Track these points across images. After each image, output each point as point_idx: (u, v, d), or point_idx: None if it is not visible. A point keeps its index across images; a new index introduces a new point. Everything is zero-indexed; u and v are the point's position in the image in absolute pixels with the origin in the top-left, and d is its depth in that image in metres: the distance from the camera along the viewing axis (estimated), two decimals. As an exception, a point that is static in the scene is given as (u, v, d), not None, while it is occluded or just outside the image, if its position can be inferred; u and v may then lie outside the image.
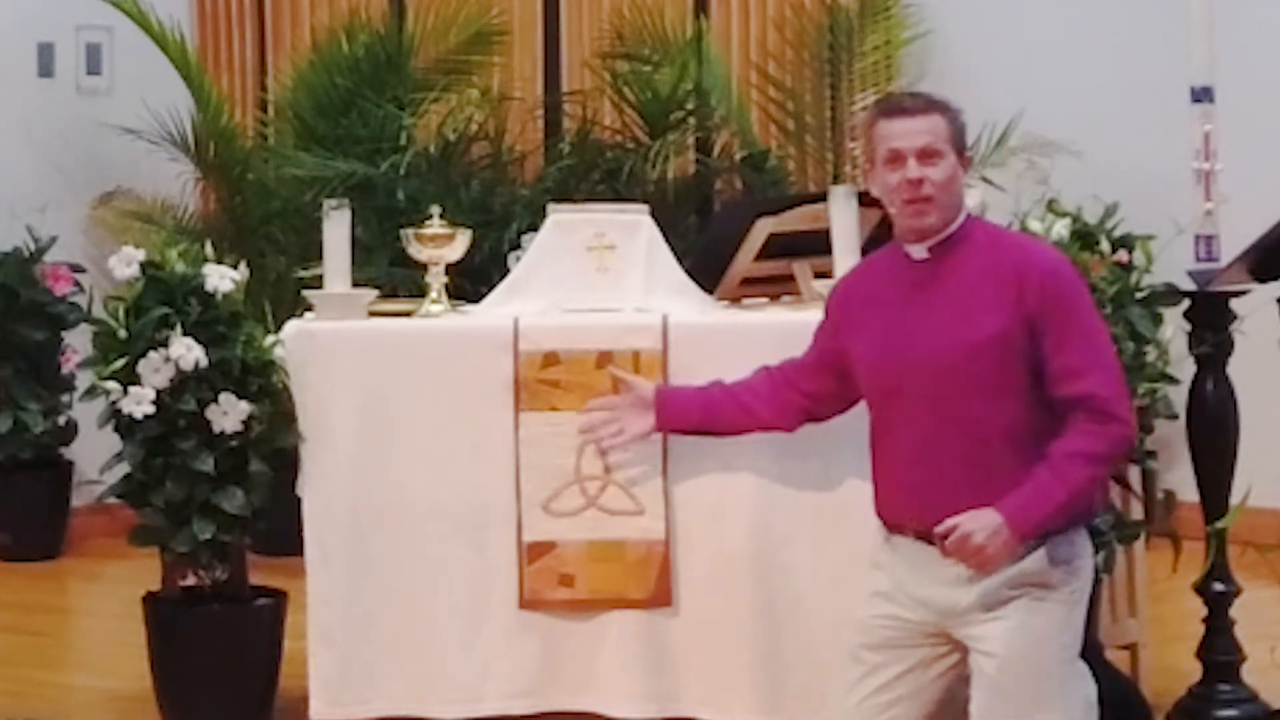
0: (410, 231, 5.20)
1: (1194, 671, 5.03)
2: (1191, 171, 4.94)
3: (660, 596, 4.79)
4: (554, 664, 4.84)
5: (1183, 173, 4.96)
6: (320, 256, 5.13)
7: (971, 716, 4.10)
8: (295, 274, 6.95)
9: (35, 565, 7.57)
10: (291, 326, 5.01)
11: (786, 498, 4.75)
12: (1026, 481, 4.01)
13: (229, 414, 4.96)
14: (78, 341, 7.44)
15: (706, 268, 5.19)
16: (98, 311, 5.95)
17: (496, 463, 4.83)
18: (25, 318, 7.66)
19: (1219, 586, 4.97)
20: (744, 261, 5.16)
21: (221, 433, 4.98)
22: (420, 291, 5.19)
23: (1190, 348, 4.94)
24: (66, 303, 7.73)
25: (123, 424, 5.01)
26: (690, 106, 7.74)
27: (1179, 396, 5.00)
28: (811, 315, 4.57)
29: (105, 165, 8.12)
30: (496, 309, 5.05)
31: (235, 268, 5.09)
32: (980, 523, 4.00)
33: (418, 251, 5.18)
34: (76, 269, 7.80)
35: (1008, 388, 4.05)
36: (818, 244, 4.99)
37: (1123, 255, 4.95)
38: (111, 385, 4.94)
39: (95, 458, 5.67)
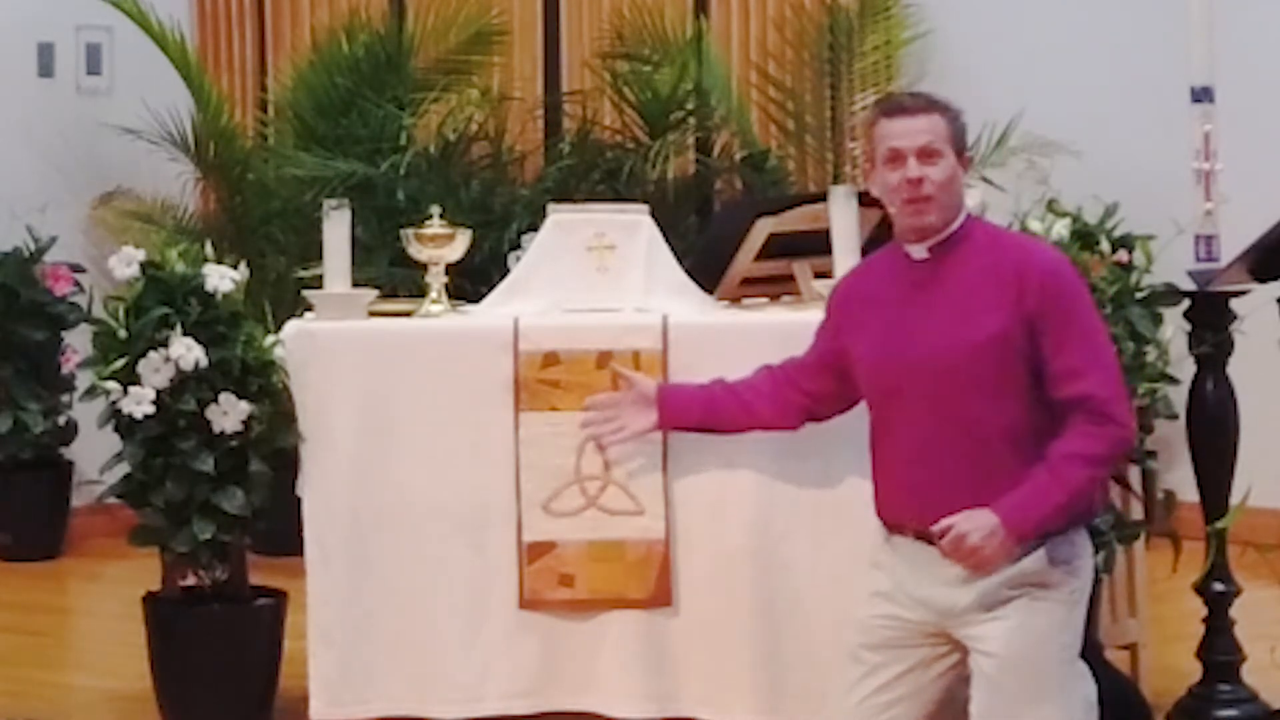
0: (410, 231, 5.20)
1: (1194, 671, 5.03)
2: (1191, 171, 4.94)
3: (660, 596, 4.79)
4: (554, 664, 4.84)
5: (1183, 173, 4.96)
6: (320, 256, 5.13)
7: (971, 716, 4.10)
8: (295, 274, 6.96)
9: (35, 565, 7.57)
10: (291, 326, 5.01)
11: (786, 498, 4.75)
12: (1024, 482, 4.01)
13: (229, 414, 4.96)
14: (78, 341, 7.44)
15: (706, 268, 5.19)
16: (98, 311, 5.95)
17: (496, 463, 4.83)
18: (25, 318, 7.66)
19: (1219, 586, 4.97)
20: (744, 261, 5.16)
21: (221, 433, 4.98)
22: (420, 291, 5.19)
23: (1190, 348, 4.94)
24: (66, 303, 7.73)
25: (123, 424, 5.01)
26: (690, 106, 7.74)
27: (1179, 396, 5.00)
28: (811, 315, 4.58)
29: (105, 165, 8.12)
30: (496, 309, 5.05)
31: (235, 268, 5.09)
32: (976, 523, 4.00)
33: (418, 251, 5.18)
34: (76, 269, 7.80)
35: (1008, 388, 4.05)
36: (818, 244, 4.99)
37: (1123, 255, 4.95)
38: (111, 385, 4.94)
39: (95, 458, 5.67)
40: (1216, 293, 4.88)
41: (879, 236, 4.65)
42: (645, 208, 5.22)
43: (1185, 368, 4.99)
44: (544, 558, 4.82)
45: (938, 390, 4.07)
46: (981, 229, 4.22)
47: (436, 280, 5.13)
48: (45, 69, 8.17)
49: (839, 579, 4.64)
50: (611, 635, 4.82)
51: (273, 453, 5.04)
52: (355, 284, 5.13)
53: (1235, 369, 4.95)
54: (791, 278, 5.15)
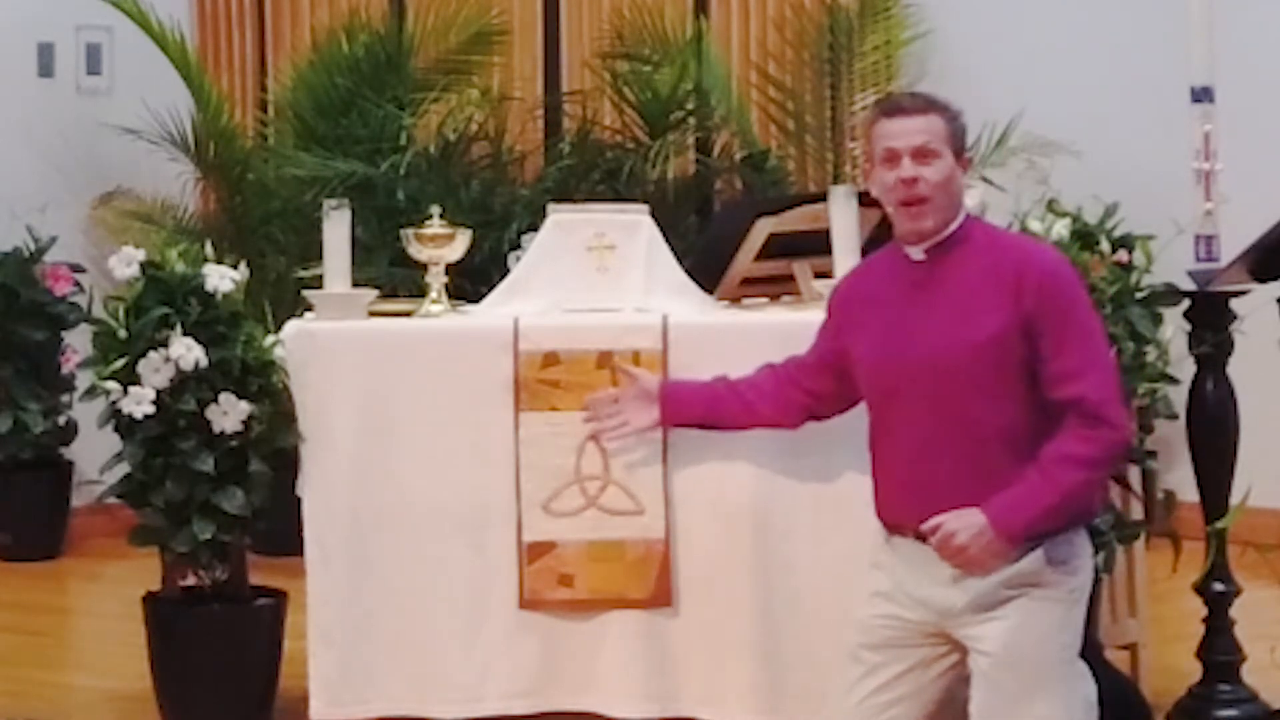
0: (410, 231, 5.20)
1: (1194, 671, 5.03)
2: (1191, 171, 4.94)
3: (660, 596, 4.79)
4: (554, 664, 4.84)
5: (1183, 173, 4.96)
6: (320, 256, 5.13)
7: (971, 716, 4.10)
8: (295, 274, 6.96)
9: (35, 565, 7.57)
10: (291, 326, 5.01)
11: (787, 498, 4.75)
12: (1016, 483, 4.01)
13: (229, 414, 4.96)
14: (78, 341, 7.44)
15: (706, 268, 5.19)
16: (98, 311, 5.94)
17: (496, 463, 4.83)
18: (25, 318, 7.67)
19: (1219, 586, 4.97)
20: (744, 261, 5.16)
21: (221, 433, 4.98)
22: (420, 291, 5.19)
23: (1190, 348, 4.94)
24: (66, 303, 7.73)
25: (123, 424, 5.01)
26: (690, 106, 7.74)
27: (1179, 396, 5.00)
28: (811, 315, 4.58)
29: (105, 165, 8.12)
30: (496, 309, 5.05)
31: (235, 268, 5.09)
32: (964, 522, 4.00)
33: (418, 251, 5.18)
34: (76, 269, 7.80)
35: (1007, 389, 4.05)
36: (818, 244, 4.99)
37: (1123, 255, 4.95)
38: (111, 385, 4.94)
39: (95, 458, 5.67)
40: (1216, 293, 4.88)
41: (879, 236, 4.65)
42: (645, 208, 5.22)
43: (1185, 368, 4.99)
44: (544, 558, 4.82)
45: (938, 391, 4.07)
46: (981, 230, 4.22)
47: (436, 280, 5.13)
48: (45, 69, 8.17)
49: (839, 579, 4.64)
50: (611, 635, 4.82)
51: (273, 453, 5.04)
52: (355, 284, 5.13)
53: (1235, 369, 4.95)
54: (791, 278, 5.15)
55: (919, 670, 4.16)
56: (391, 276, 6.72)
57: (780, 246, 5.13)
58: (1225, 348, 4.93)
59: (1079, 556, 4.12)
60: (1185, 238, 4.94)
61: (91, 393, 5.04)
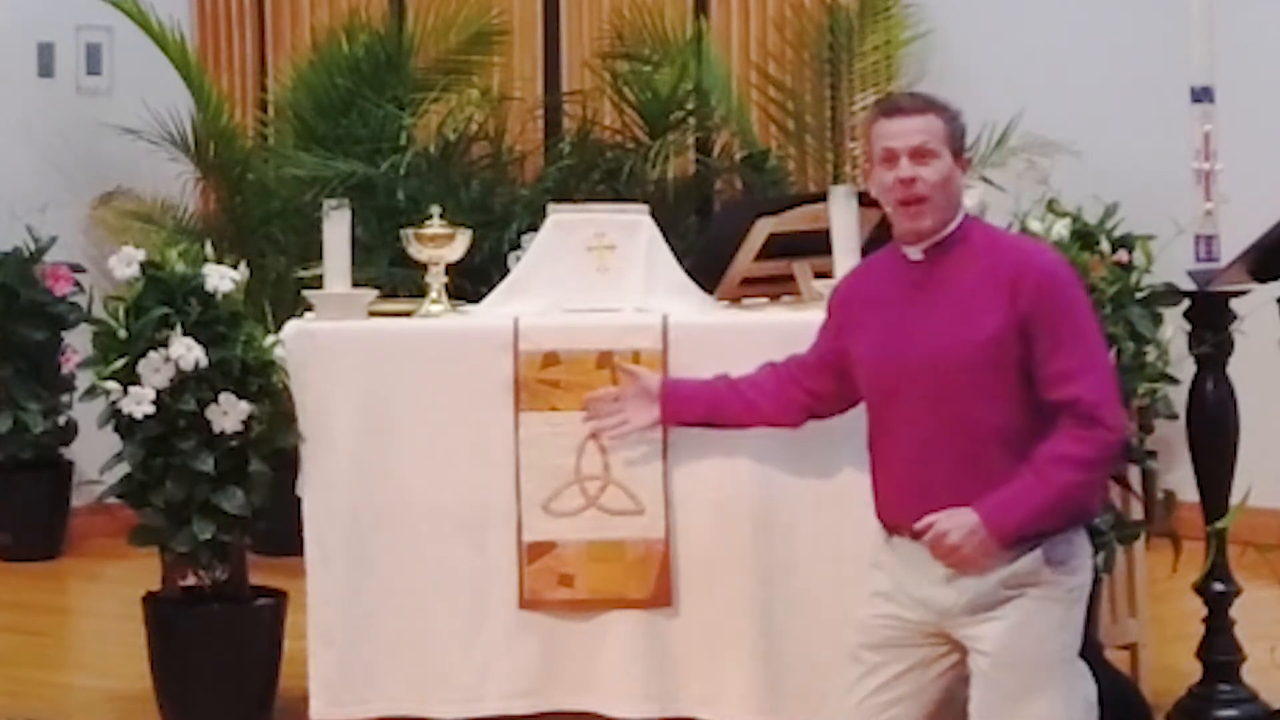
0: (410, 231, 5.20)
1: (1194, 671, 5.03)
2: (1191, 171, 4.94)
3: (660, 596, 4.79)
4: (554, 664, 4.84)
5: (1183, 173, 4.96)
6: (320, 256, 5.13)
7: (971, 716, 4.10)
8: (295, 274, 6.96)
9: (35, 565, 7.57)
10: (291, 326, 5.01)
11: (787, 498, 4.75)
12: (1009, 483, 4.01)
13: (229, 414, 4.96)
14: (78, 341, 7.44)
15: (706, 268, 5.19)
16: (98, 311, 5.95)
17: (496, 463, 4.83)
18: (25, 318, 7.67)
19: (1219, 586, 4.97)
20: (744, 261, 5.16)
21: (221, 433, 4.98)
22: (420, 291, 5.19)
23: (1190, 348, 4.94)
24: (66, 303, 7.73)
25: (123, 424, 5.01)
26: (690, 106, 7.74)
27: (1179, 396, 5.00)
28: (811, 315, 4.58)
29: (105, 165, 8.12)
30: (496, 309, 5.05)
31: (235, 268, 5.09)
32: (956, 521, 4.01)
33: (418, 251, 5.18)
34: (76, 269, 7.80)
35: (1006, 389, 4.05)
36: (818, 244, 4.99)
37: (1123, 255, 4.95)
38: (111, 385, 4.94)
39: (95, 458, 5.67)
40: (1216, 293, 4.88)
41: (879, 236, 4.65)
42: (645, 208, 5.22)
43: (1185, 368, 4.99)
44: (544, 558, 4.82)
45: (937, 391, 4.07)
46: (980, 230, 4.22)
47: (436, 280, 5.13)
48: (45, 69, 8.17)
49: (839, 579, 4.64)
50: (611, 635, 4.82)
51: (273, 453, 5.04)
52: (355, 284, 5.13)
53: (1235, 369, 4.95)
54: (791, 278, 5.15)
55: (919, 670, 4.17)
56: (391, 276, 6.72)
57: (780, 246, 5.13)
58: (1225, 348, 4.93)
59: (1078, 556, 4.12)
60: (1185, 238, 4.94)
61: (91, 393, 5.04)
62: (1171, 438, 5.21)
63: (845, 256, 4.86)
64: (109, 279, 5.31)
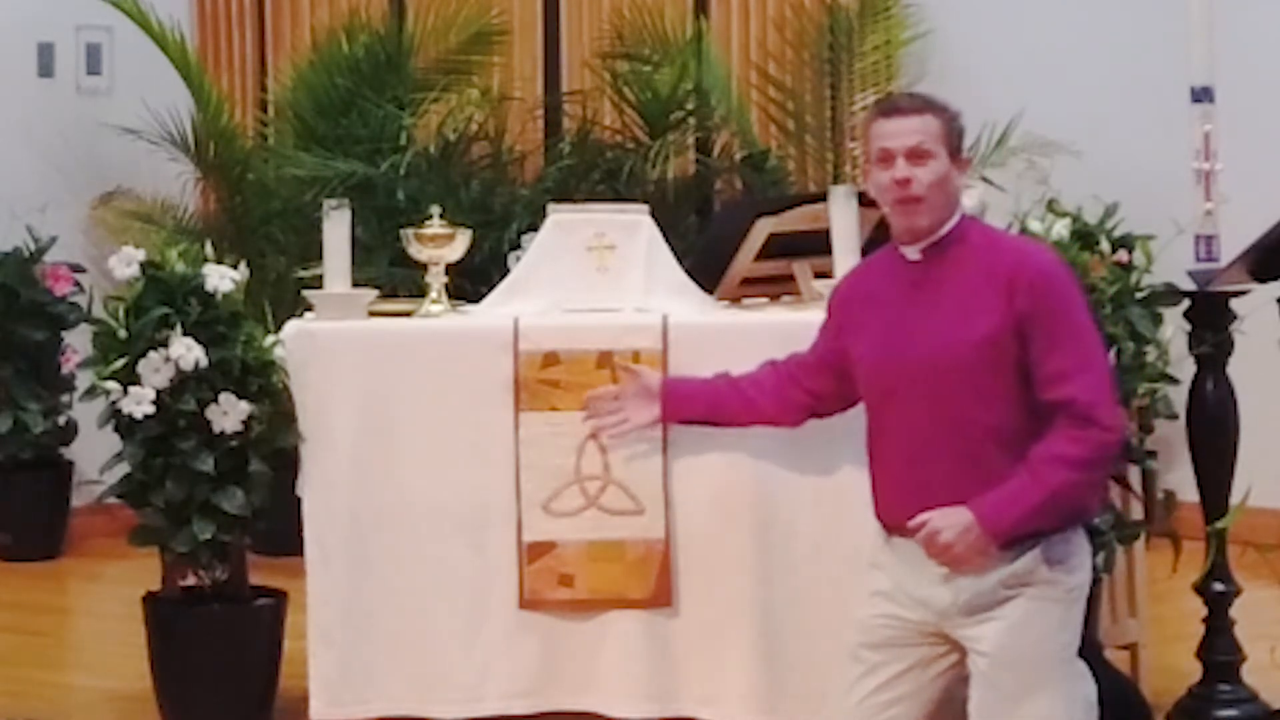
0: (410, 231, 5.21)
1: (1194, 671, 5.03)
2: (1191, 171, 4.94)
3: (660, 596, 4.79)
4: (554, 664, 4.84)
5: (1183, 173, 4.96)
6: (320, 256, 5.13)
7: (970, 716, 4.10)
8: (295, 274, 6.96)
9: (35, 565, 7.57)
10: (291, 326, 5.01)
11: (787, 498, 4.75)
12: (1005, 483, 4.01)
13: (229, 414, 4.96)
14: (78, 341, 7.44)
15: (706, 268, 5.19)
16: (98, 311, 5.95)
17: (496, 463, 4.83)
18: (25, 318, 7.67)
19: (1219, 586, 4.97)
20: (744, 261, 5.16)
21: (221, 433, 4.98)
22: (420, 291, 5.19)
23: (1190, 348, 4.94)
24: (66, 303, 7.73)
25: (123, 424, 5.01)
26: (690, 106, 7.74)
27: (1179, 396, 5.00)
28: (811, 315, 4.58)
29: (105, 165, 8.12)
30: (496, 309, 5.05)
31: (235, 268, 5.09)
32: (949, 520, 4.01)
33: (418, 251, 5.18)
34: (76, 269, 7.80)
35: (1003, 389, 4.05)
36: (818, 244, 4.99)
37: (1123, 255, 4.95)
38: (111, 385, 4.95)
39: (95, 458, 5.67)
40: (1216, 293, 4.88)
41: (879, 236, 4.65)
42: (645, 208, 5.22)
43: (1185, 368, 4.99)
44: (544, 558, 4.82)
45: (937, 390, 4.07)
46: (978, 231, 4.22)
47: (436, 280, 5.13)
48: (45, 69, 8.17)
49: (839, 579, 4.64)
50: (611, 635, 4.82)
51: (273, 453, 5.04)
52: (355, 284, 5.13)
53: (1235, 369, 4.95)
54: (791, 278, 5.15)
55: (918, 670, 4.17)
56: (391, 276, 6.72)
57: (780, 246, 5.13)
58: (1225, 348, 4.93)
59: (1076, 555, 4.12)
60: (1185, 238, 4.94)
61: (91, 393, 5.04)
62: (1171, 438, 5.21)
63: (845, 256, 4.86)
64: (109, 279, 5.31)
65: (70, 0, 8.07)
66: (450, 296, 5.15)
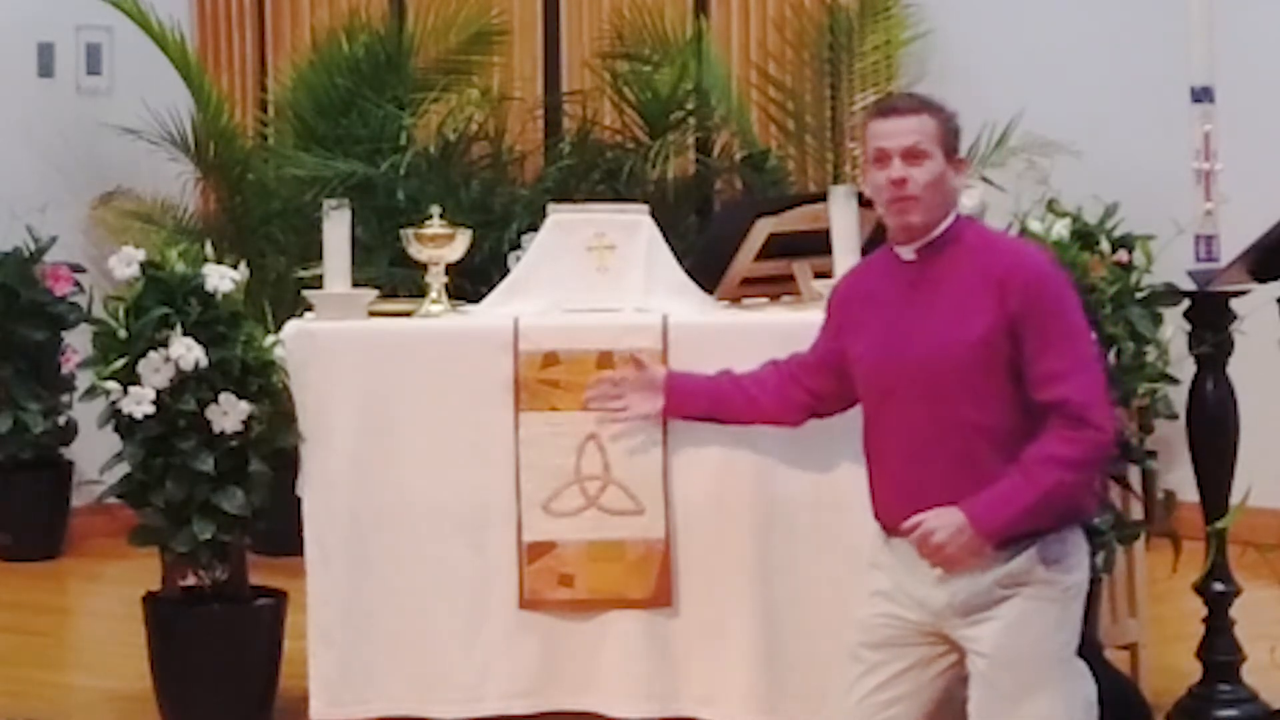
0: (410, 231, 5.21)
1: (1194, 671, 5.03)
2: (1191, 171, 4.94)
3: (660, 596, 4.79)
4: (554, 664, 4.84)
5: (1183, 173, 4.96)
6: (320, 256, 5.13)
7: (970, 716, 4.10)
8: (295, 274, 6.96)
9: (35, 565, 7.57)
10: (291, 326, 5.01)
11: (787, 498, 4.75)
12: (997, 483, 4.01)
13: (229, 414, 4.96)
14: (78, 341, 7.44)
15: (706, 268, 5.19)
16: (98, 311, 5.95)
17: (496, 463, 4.83)
18: (25, 318, 7.67)
19: (1219, 586, 4.97)
20: (744, 261, 5.16)
21: (221, 433, 4.98)
22: (420, 291, 5.19)
23: (1190, 348, 4.95)
24: (66, 303, 7.73)
25: (123, 424, 5.01)
26: (690, 106, 7.74)
27: (1179, 396, 5.00)
28: (811, 315, 4.58)
29: (105, 165, 8.12)
30: (496, 309, 5.05)
31: (235, 268, 5.09)
32: (942, 521, 4.01)
33: (418, 251, 5.18)
34: (76, 269, 7.80)
35: (998, 390, 4.05)
36: (818, 244, 4.99)
37: (1123, 255, 4.95)
38: (111, 385, 4.95)
39: (95, 458, 5.67)
40: (1216, 293, 4.88)
41: (878, 236, 4.65)
42: (645, 208, 5.22)
43: (1185, 368, 4.99)
44: (544, 558, 4.82)
45: (935, 391, 4.07)
46: (975, 231, 4.22)
47: (436, 280, 5.14)
48: (45, 69, 8.17)
49: (839, 579, 4.64)
50: (611, 635, 4.82)
51: (273, 453, 5.04)
52: (355, 284, 5.13)
53: (1235, 369, 4.95)
54: (791, 278, 5.16)
55: (918, 669, 4.17)
56: (391, 276, 6.72)
57: (780, 246, 5.13)
58: (1225, 348, 4.93)
59: (1073, 555, 4.12)
60: (1185, 238, 4.94)
61: (91, 393, 5.04)
62: (1171, 438, 5.21)
63: (845, 256, 4.86)
64: (109, 279, 5.31)
65: (70, 0, 8.07)
66: (450, 296, 5.15)
